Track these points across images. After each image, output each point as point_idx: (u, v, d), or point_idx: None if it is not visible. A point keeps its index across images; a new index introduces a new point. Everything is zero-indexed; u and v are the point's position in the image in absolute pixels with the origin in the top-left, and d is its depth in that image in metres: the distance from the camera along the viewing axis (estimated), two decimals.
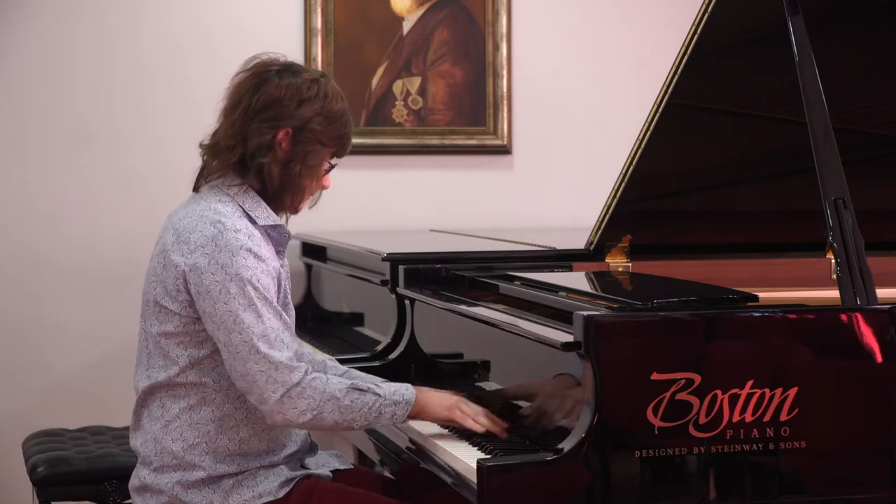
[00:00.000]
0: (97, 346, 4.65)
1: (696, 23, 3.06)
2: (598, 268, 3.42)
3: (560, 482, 2.45)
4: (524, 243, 3.77)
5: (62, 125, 4.64)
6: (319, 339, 4.22)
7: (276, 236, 2.81)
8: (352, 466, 3.03)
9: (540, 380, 2.81)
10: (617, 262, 3.43)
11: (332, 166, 2.84)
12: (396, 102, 4.87)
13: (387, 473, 3.16)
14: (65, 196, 4.64)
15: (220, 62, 4.56)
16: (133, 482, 2.81)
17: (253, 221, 2.76)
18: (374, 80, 4.85)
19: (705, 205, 3.52)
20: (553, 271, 3.39)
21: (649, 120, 3.20)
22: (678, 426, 2.49)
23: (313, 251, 4.60)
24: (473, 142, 4.93)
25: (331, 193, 2.96)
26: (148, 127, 4.70)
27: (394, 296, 3.51)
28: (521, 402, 2.89)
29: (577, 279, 3.26)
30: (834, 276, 2.80)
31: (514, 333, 2.82)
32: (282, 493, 2.74)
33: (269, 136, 2.74)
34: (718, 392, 2.50)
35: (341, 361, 3.38)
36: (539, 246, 3.65)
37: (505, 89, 4.92)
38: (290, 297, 2.85)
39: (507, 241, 3.92)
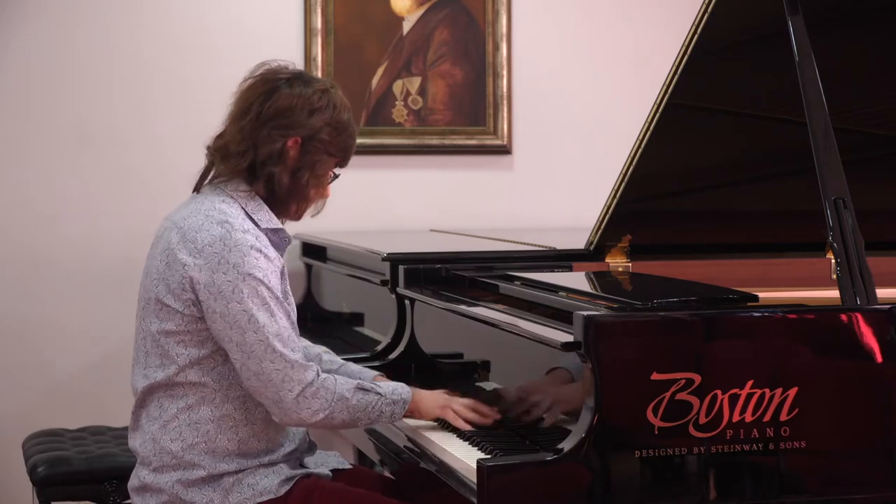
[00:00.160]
0: (97, 346, 4.65)
1: (696, 23, 3.06)
2: (598, 268, 3.42)
3: (560, 482, 2.45)
4: (524, 243, 3.77)
5: (62, 125, 4.64)
6: (319, 339, 4.20)
7: (277, 240, 2.82)
8: (351, 466, 3.04)
9: (537, 379, 2.81)
10: (617, 262, 3.43)
11: (336, 176, 2.86)
12: (396, 102, 4.87)
13: (387, 473, 3.16)
14: (65, 196, 4.64)
15: (220, 62, 4.61)
16: (132, 482, 2.81)
17: (255, 224, 2.77)
18: (374, 80, 4.85)
19: (705, 205, 3.52)
20: (553, 271, 3.39)
21: (649, 120, 3.20)
22: (678, 426, 2.49)
23: (313, 251, 4.60)
24: (473, 142, 4.93)
25: (331, 193, 2.97)
26: (148, 127, 4.70)
27: (394, 296, 3.51)
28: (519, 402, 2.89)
29: (577, 279, 3.26)
30: (834, 276, 2.80)
31: (514, 333, 2.82)
32: (282, 492, 2.75)
33: (280, 144, 2.76)
34: (718, 392, 2.50)
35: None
36: (539, 246, 3.65)
37: (505, 89, 4.92)
38: (290, 295, 2.86)
39: (507, 241, 3.92)
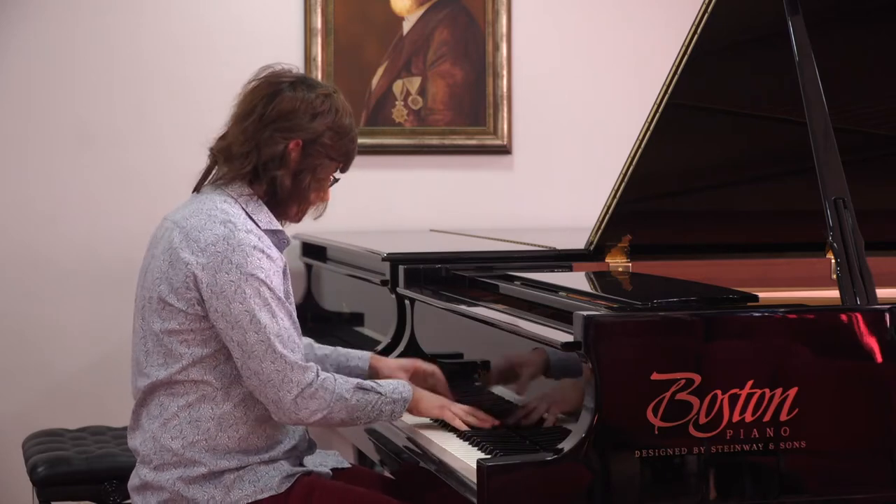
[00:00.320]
0: (97, 346, 4.65)
1: (696, 23, 3.06)
2: (598, 268, 3.42)
3: (560, 482, 2.45)
4: (524, 243, 3.77)
5: (62, 125, 4.64)
6: (319, 339, 4.19)
7: (276, 241, 2.83)
8: (350, 466, 3.04)
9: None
10: (617, 262, 3.43)
11: (336, 180, 2.88)
12: (396, 102, 4.87)
13: (387, 473, 3.16)
14: (65, 196, 4.64)
15: (220, 62, 4.61)
16: (133, 481, 2.82)
17: (255, 225, 2.77)
18: (374, 80, 4.85)
19: (705, 205, 3.52)
20: (553, 271, 3.39)
21: (649, 120, 3.20)
22: (678, 426, 2.49)
23: (313, 251, 4.60)
24: (473, 142, 4.93)
25: (331, 193, 2.97)
26: (148, 127, 4.70)
27: (394, 296, 3.51)
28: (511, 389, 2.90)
29: (577, 279, 3.26)
30: (834, 276, 2.80)
31: (514, 333, 2.82)
32: (283, 488, 2.76)
33: (282, 147, 2.78)
34: (718, 392, 2.51)
35: None
36: (539, 246, 3.65)
37: (505, 89, 4.92)
38: (291, 293, 2.86)
39: (507, 241, 3.92)
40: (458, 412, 2.87)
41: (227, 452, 2.75)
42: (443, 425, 2.93)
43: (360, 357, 3.10)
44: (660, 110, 3.17)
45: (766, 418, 2.53)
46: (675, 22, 3.71)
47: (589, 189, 4.45)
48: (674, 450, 2.49)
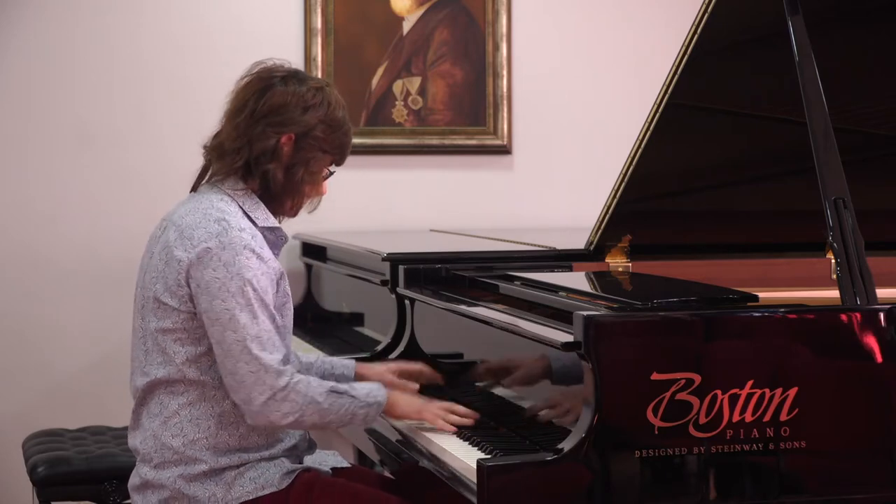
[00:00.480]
0: (97, 346, 4.65)
1: (696, 23, 3.06)
2: (598, 268, 3.42)
3: (560, 482, 2.45)
4: (524, 243, 3.77)
5: (62, 125, 4.64)
6: (319, 339, 4.22)
7: (273, 239, 2.83)
8: (350, 465, 3.04)
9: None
10: (617, 262, 3.43)
11: (331, 173, 2.87)
12: (396, 102, 4.87)
13: (387, 473, 3.16)
14: (65, 196, 4.64)
15: (220, 62, 4.61)
16: (133, 481, 2.82)
17: (252, 222, 2.78)
18: (374, 80, 4.85)
19: (705, 205, 3.52)
20: (553, 271, 3.39)
21: (649, 120, 3.20)
22: (678, 426, 2.49)
23: (313, 251, 4.60)
24: (473, 142, 4.93)
25: (331, 193, 2.98)
26: (148, 127, 4.70)
27: (394, 296, 3.51)
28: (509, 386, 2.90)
29: (577, 279, 3.26)
30: (834, 276, 2.80)
31: (514, 333, 2.82)
32: (284, 485, 2.76)
33: (274, 141, 2.77)
34: (718, 392, 2.50)
35: None
36: (539, 246, 3.65)
37: (505, 89, 4.92)
38: (289, 295, 2.86)
39: (507, 241, 3.92)
40: (437, 412, 2.86)
41: (227, 450, 2.75)
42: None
43: (345, 365, 3.10)
44: (660, 110, 3.17)
45: (766, 418, 2.53)
46: (675, 22, 3.71)
47: (589, 189, 4.45)
48: (674, 450, 2.49)
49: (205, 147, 2.86)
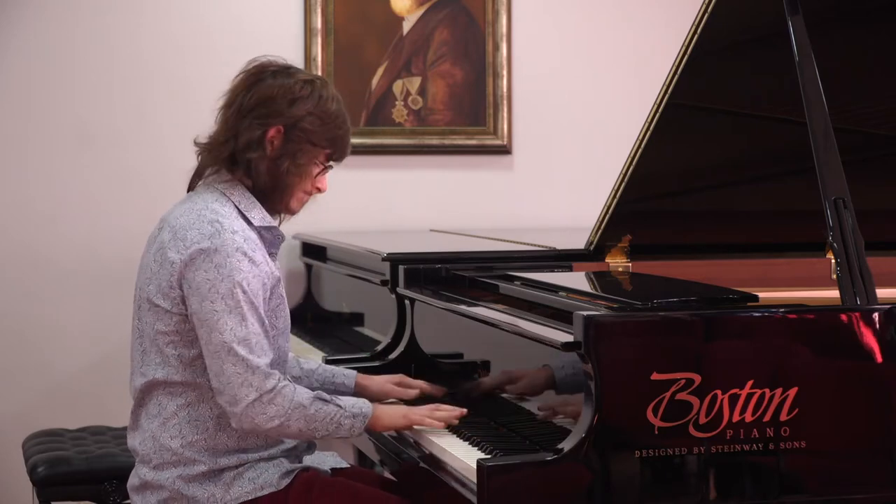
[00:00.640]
0: (97, 346, 4.65)
1: (696, 23, 3.06)
2: (598, 268, 3.41)
3: (560, 482, 2.45)
4: (524, 243, 3.77)
5: (62, 125, 4.64)
6: (319, 339, 4.22)
7: (270, 238, 2.83)
8: (349, 466, 3.04)
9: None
10: (617, 262, 3.43)
11: (327, 168, 2.85)
12: (396, 102, 4.87)
13: (387, 474, 3.16)
14: (65, 196, 4.64)
15: (220, 62, 4.57)
16: (132, 481, 2.82)
17: (248, 222, 2.77)
18: (374, 80, 4.85)
19: (705, 205, 3.52)
20: (553, 271, 3.39)
21: (649, 120, 3.20)
22: (678, 426, 2.49)
23: (313, 251, 4.60)
24: (473, 142, 4.93)
25: (331, 193, 2.97)
26: (148, 127, 4.70)
27: (394, 296, 3.51)
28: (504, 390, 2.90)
29: (577, 279, 3.26)
30: (834, 276, 2.80)
31: (514, 333, 2.82)
32: (283, 485, 2.76)
33: (259, 133, 2.76)
34: (718, 392, 2.50)
35: (341, 362, 3.39)
36: (539, 246, 3.65)
37: (505, 89, 4.92)
38: (285, 298, 2.85)
39: (507, 241, 3.92)
40: (423, 412, 2.84)
41: (226, 451, 2.75)
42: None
43: (346, 375, 3.09)
44: (660, 110, 3.17)
45: (766, 418, 2.53)
46: (675, 22, 3.71)
47: (589, 189, 4.45)
48: (674, 450, 2.49)
49: (196, 143, 2.86)
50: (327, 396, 2.75)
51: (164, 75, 4.70)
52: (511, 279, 3.19)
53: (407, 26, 4.86)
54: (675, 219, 3.54)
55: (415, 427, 2.86)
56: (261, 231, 2.80)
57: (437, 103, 4.89)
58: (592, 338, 2.48)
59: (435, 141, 4.91)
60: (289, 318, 2.87)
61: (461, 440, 2.80)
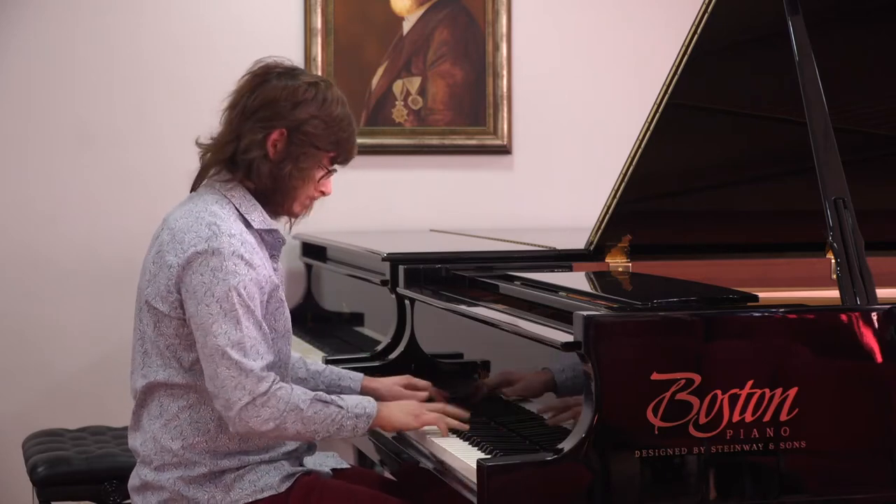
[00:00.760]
0: (97, 346, 4.65)
1: (696, 23, 3.06)
2: (598, 268, 3.41)
3: (560, 482, 2.45)
4: (524, 243, 3.77)
5: (62, 125, 4.64)
6: (319, 339, 4.22)
7: (271, 241, 2.82)
8: (350, 466, 3.04)
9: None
10: (617, 262, 3.43)
11: (331, 171, 2.84)
12: (396, 102, 4.87)
13: (387, 474, 3.16)
14: (65, 196, 4.64)
15: (220, 62, 4.61)
16: (133, 482, 2.81)
17: (248, 224, 2.76)
18: (374, 80, 4.85)
19: (705, 205, 3.52)
20: (553, 271, 3.38)
21: (649, 120, 3.20)
22: (678, 426, 2.49)
23: (313, 251, 4.60)
24: (473, 142, 4.93)
25: (331, 190, 2.96)
26: (148, 127, 4.70)
27: (394, 296, 3.51)
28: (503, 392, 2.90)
29: (577, 279, 3.26)
30: (834, 276, 2.80)
31: (514, 333, 2.82)
32: (283, 488, 2.75)
33: (261, 135, 2.75)
34: (718, 392, 2.50)
35: (341, 361, 3.39)
36: (539, 246, 3.65)
37: (505, 89, 4.92)
38: (284, 302, 2.84)
39: (507, 241, 3.92)
40: (435, 417, 2.81)
41: (227, 453, 2.75)
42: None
43: (353, 377, 3.08)
44: (660, 110, 3.17)
45: (766, 418, 2.53)
46: (675, 22, 3.71)
47: (589, 189, 4.45)
48: (674, 450, 2.49)
49: (198, 144, 2.85)
50: (327, 397, 2.73)
51: (164, 75, 4.70)
52: (511, 279, 3.19)
53: (407, 26, 4.86)
54: (675, 219, 3.54)
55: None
56: (261, 234, 2.80)
57: (437, 103, 4.90)
58: (592, 338, 2.48)
59: (435, 141, 4.91)
60: (289, 321, 2.85)
61: (461, 440, 2.80)
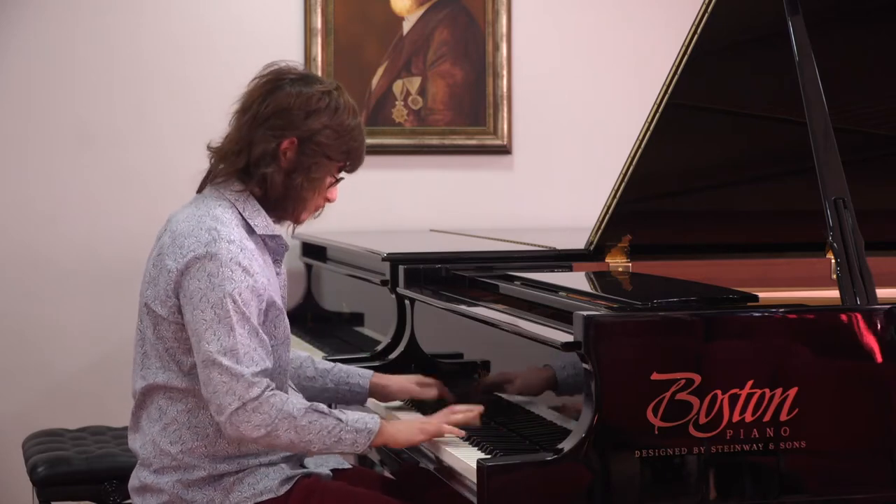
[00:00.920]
0: (97, 346, 4.65)
1: (696, 23, 3.06)
2: (598, 268, 3.41)
3: (560, 482, 2.45)
4: (524, 243, 3.77)
5: (62, 125, 4.64)
6: (319, 339, 4.22)
7: (274, 246, 2.81)
8: (350, 466, 3.04)
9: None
10: (617, 262, 3.43)
11: (339, 179, 2.84)
12: (396, 102, 4.88)
13: (387, 473, 3.16)
14: (65, 196, 4.64)
15: (220, 62, 4.61)
16: (133, 483, 2.81)
17: (251, 230, 2.75)
18: (374, 80, 4.85)
19: (705, 205, 3.52)
20: (553, 271, 3.38)
21: (649, 120, 3.20)
22: (678, 426, 2.49)
23: (313, 251, 4.60)
24: (473, 142, 4.93)
25: (337, 197, 2.94)
26: (148, 127, 4.70)
27: (394, 296, 3.51)
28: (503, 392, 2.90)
29: (577, 279, 3.26)
30: (834, 276, 2.80)
31: (514, 333, 2.82)
32: (282, 491, 2.74)
33: (274, 145, 2.73)
34: (718, 392, 2.50)
35: (341, 362, 3.38)
36: (539, 246, 3.65)
37: (505, 89, 4.92)
38: (284, 308, 2.83)
39: (507, 241, 3.92)
40: (441, 423, 2.79)
41: (226, 457, 2.74)
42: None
43: (361, 375, 3.07)
44: (660, 110, 3.17)
45: (766, 418, 2.53)
46: (675, 22, 3.71)
47: (589, 189, 4.45)
48: (674, 450, 2.49)
49: (209, 148, 2.84)
50: (325, 409, 2.70)
51: (164, 75, 4.70)
52: (511, 279, 3.19)
53: (407, 26, 4.87)
54: (675, 219, 3.54)
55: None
56: (264, 239, 2.79)
57: (437, 103, 4.90)
58: (592, 338, 2.48)
59: (435, 141, 4.91)
60: (288, 328, 2.83)
61: (461, 440, 2.80)
